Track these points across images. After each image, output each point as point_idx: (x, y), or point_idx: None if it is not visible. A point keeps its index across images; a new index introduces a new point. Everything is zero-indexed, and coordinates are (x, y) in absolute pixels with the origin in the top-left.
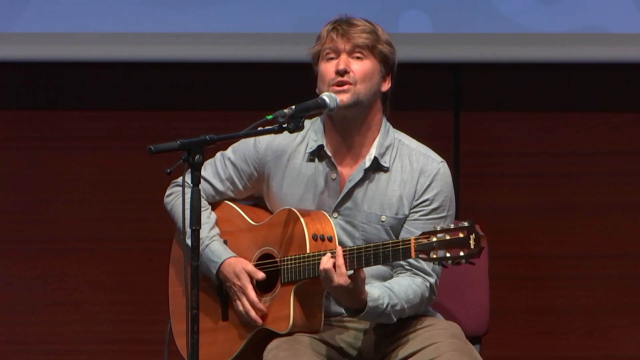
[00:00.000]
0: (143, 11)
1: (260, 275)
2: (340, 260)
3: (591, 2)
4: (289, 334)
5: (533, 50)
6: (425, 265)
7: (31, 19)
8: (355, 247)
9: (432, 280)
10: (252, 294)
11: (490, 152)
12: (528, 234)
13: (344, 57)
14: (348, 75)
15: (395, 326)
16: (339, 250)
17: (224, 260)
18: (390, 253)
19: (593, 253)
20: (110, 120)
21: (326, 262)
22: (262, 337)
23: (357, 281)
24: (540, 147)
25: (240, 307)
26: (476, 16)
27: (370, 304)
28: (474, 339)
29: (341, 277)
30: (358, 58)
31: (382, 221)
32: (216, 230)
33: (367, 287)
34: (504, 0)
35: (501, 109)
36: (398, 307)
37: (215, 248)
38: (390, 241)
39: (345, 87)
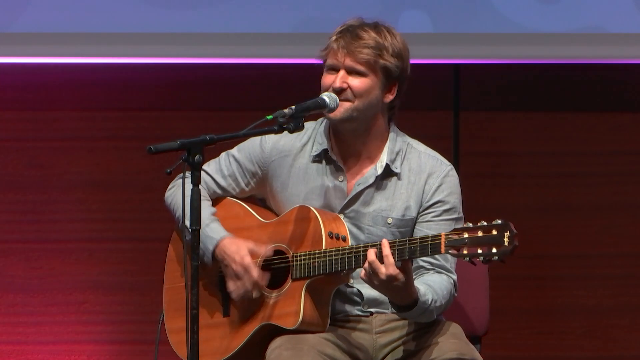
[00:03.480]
0: (143, 11)
1: (262, 254)
2: (387, 250)
3: (591, 2)
4: (296, 330)
5: (533, 50)
6: (445, 263)
7: (31, 19)
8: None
9: (455, 277)
10: (255, 272)
11: (490, 152)
12: (528, 234)
13: (342, 73)
14: (345, 92)
15: (397, 326)
16: (385, 242)
17: (224, 238)
18: (418, 248)
19: (593, 253)
20: (110, 120)
21: (372, 254)
22: (264, 334)
23: (406, 273)
24: (540, 147)
25: (240, 286)
26: (476, 16)
27: (420, 299)
28: (474, 339)
29: (390, 267)
30: (357, 74)
31: (389, 223)
32: (216, 217)
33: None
34: (504, 0)
35: (501, 109)
36: (438, 304)
37: (215, 226)
38: (419, 237)
39: (339, 103)
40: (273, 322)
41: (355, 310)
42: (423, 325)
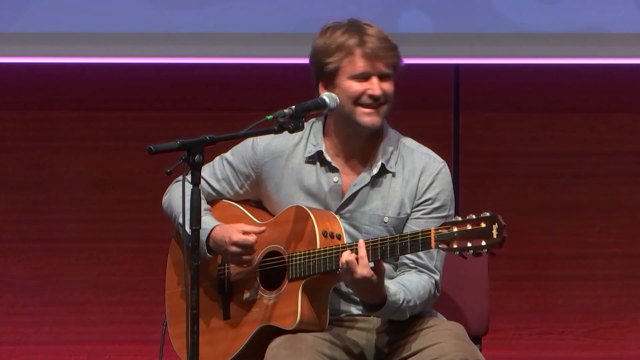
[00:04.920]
0: (143, 11)
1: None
2: (363, 252)
3: (591, 2)
4: (295, 330)
5: (533, 50)
6: (429, 262)
7: (31, 19)
8: (371, 240)
9: (437, 277)
10: (247, 227)
11: (490, 152)
12: (528, 234)
13: (376, 80)
14: (379, 98)
15: (398, 326)
16: (362, 242)
17: (215, 227)
18: (409, 244)
19: (593, 253)
20: (110, 120)
21: (348, 254)
22: (264, 335)
23: (379, 273)
24: (540, 147)
25: (244, 253)
26: (476, 16)
27: (389, 298)
28: (474, 339)
29: (364, 268)
30: (387, 77)
31: (385, 222)
32: (207, 211)
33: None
34: (503, 0)
35: (501, 109)
36: (411, 304)
37: (207, 219)
38: (409, 232)
39: (376, 110)
40: (272, 324)
41: (355, 310)
42: (425, 325)
